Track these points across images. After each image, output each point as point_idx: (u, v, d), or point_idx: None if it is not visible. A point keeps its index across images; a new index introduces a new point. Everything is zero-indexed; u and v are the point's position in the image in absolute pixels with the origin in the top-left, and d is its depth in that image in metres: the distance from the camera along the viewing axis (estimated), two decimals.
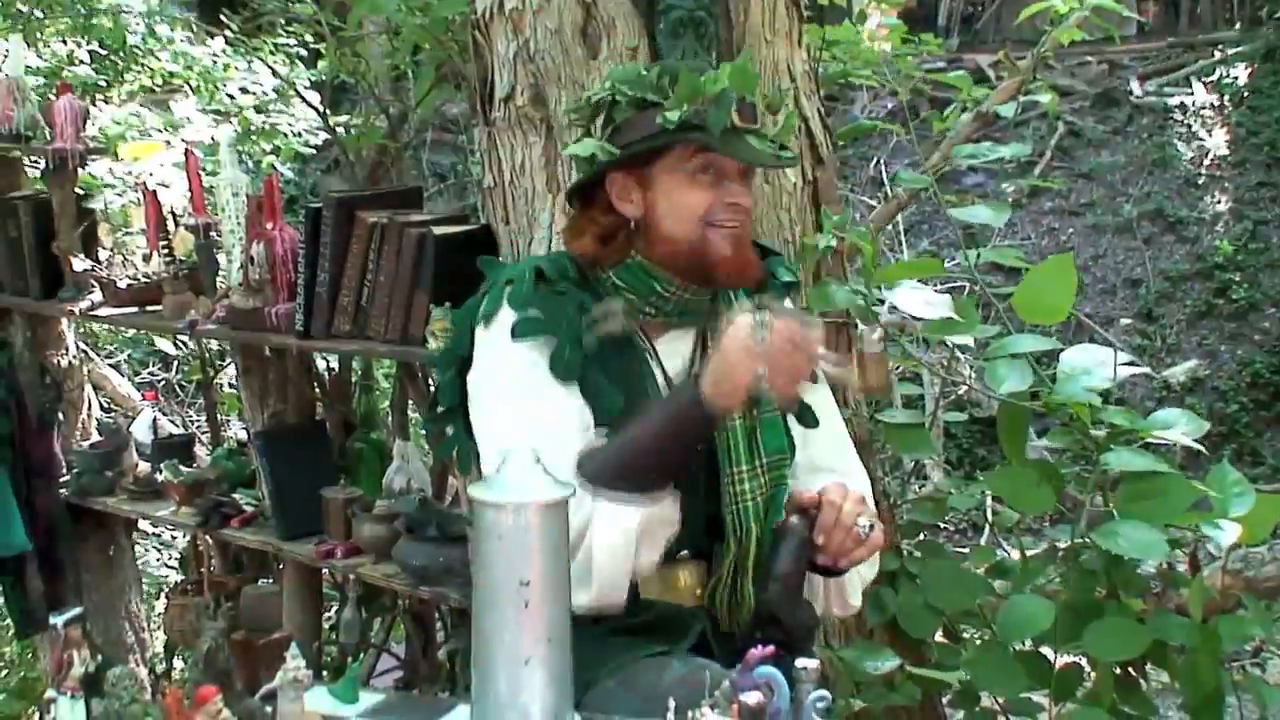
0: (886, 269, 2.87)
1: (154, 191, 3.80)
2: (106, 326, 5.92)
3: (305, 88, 6.11)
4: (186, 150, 3.84)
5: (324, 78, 6.39)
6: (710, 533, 2.24)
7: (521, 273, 2.21)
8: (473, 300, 2.27)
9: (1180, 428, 2.55)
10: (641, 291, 2.21)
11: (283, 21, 6.23)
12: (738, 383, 1.93)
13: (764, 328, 1.90)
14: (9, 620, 4.86)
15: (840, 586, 2.24)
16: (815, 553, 2.06)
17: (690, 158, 2.15)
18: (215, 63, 6.75)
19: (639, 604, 2.14)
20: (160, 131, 5.97)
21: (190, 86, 6.69)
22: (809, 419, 2.31)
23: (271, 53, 6.32)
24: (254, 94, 6.74)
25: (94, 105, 6.01)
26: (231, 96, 6.72)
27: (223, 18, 6.29)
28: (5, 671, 5.52)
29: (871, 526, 2.05)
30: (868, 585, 2.35)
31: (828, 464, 2.32)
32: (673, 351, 2.26)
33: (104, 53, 6.72)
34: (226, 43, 6.55)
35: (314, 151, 7.23)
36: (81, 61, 6.42)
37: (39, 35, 6.37)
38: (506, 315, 2.17)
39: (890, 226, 8.21)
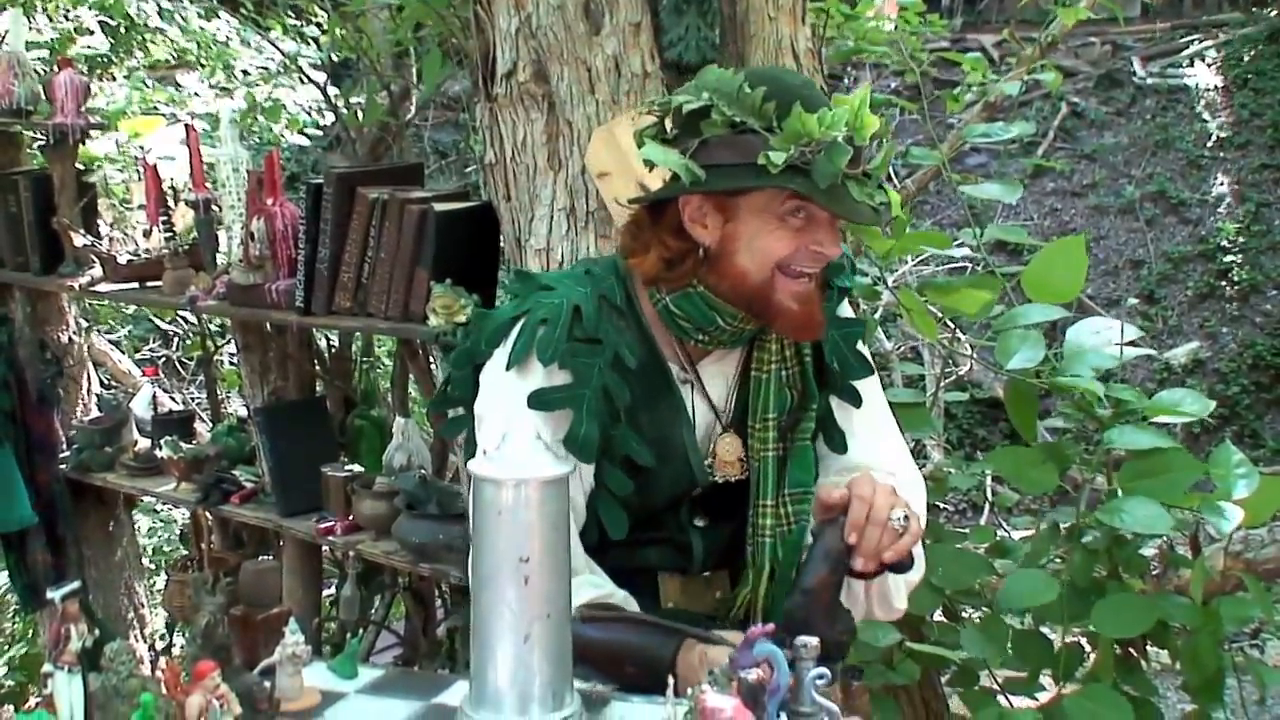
0: (898, 237, 2.86)
1: (154, 167, 3.78)
2: (107, 302, 5.92)
3: (312, 67, 6.10)
4: (187, 126, 3.83)
5: (326, 58, 6.38)
6: (733, 545, 2.19)
7: (558, 311, 2.03)
8: (503, 319, 2.10)
9: (1185, 407, 2.54)
10: (700, 321, 2.07)
11: (288, 1, 6.22)
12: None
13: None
14: (11, 595, 4.88)
15: (883, 589, 2.11)
16: (850, 556, 1.91)
17: (784, 200, 1.96)
18: (226, 40, 6.75)
19: (660, 612, 2.11)
20: (166, 105, 5.96)
21: (200, 63, 6.69)
22: (838, 443, 2.22)
23: (285, 33, 6.31)
24: (261, 71, 6.73)
25: (99, 80, 6.00)
26: (246, 73, 6.71)
27: None
28: (8, 645, 5.53)
29: (906, 518, 1.89)
30: (913, 586, 2.18)
31: (874, 465, 2.18)
32: (716, 374, 2.16)
33: (113, 24, 6.71)
34: (240, 21, 6.54)
35: (320, 132, 7.23)
36: (90, 31, 6.40)
37: (42, 7, 6.35)
38: (533, 371, 2.03)
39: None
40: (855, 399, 2.21)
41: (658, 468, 2.10)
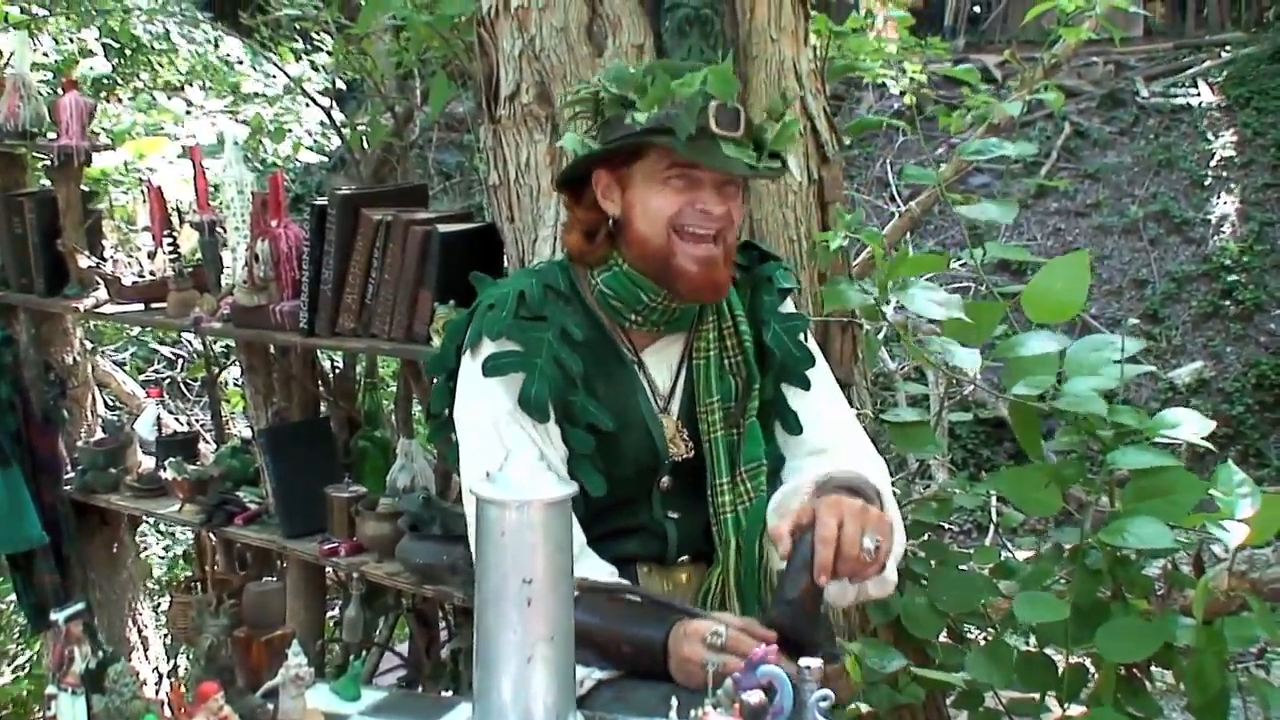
0: (895, 262, 2.86)
1: (159, 188, 3.79)
2: (111, 324, 5.93)
3: (318, 91, 6.11)
4: (191, 148, 3.84)
5: (331, 79, 6.39)
6: (709, 538, 2.26)
7: (504, 296, 2.20)
8: (460, 318, 2.28)
9: (1187, 427, 2.53)
10: (627, 300, 2.21)
11: (294, 26, 6.23)
12: (696, 676, 1.89)
13: (721, 636, 1.89)
14: (15, 614, 4.87)
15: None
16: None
17: (663, 162, 2.13)
18: (231, 62, 6.77)
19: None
20: (173, 125, 5.97)
21: (204, 86, 6.71)
22: (792, 424, 2.32)
23: (296, 59, 6.33)
24: (266, 96, 6.75)
25: (106, 101, 6.01)
26: (258, 95, 6.73)
27: (243, 20, 6.30)
28: (21, 665, 5.52)
29: (877, 548, 1.93)
30: (899, 558, 2.19)
31: (832, 445, 2.30)
32: (660, 362, 2.28)
33: (117, 46, 6.73)
34: (250, 45, 6.56)
35: (325, 158, 7.25)
36: (92, 54, 6.42)
37: (44, 29, 6.37)
38: (484, 347, 2.18)
39: None
40: (805, 383, 2.33)
41: (620, 434, 2.20)
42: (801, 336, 2.35)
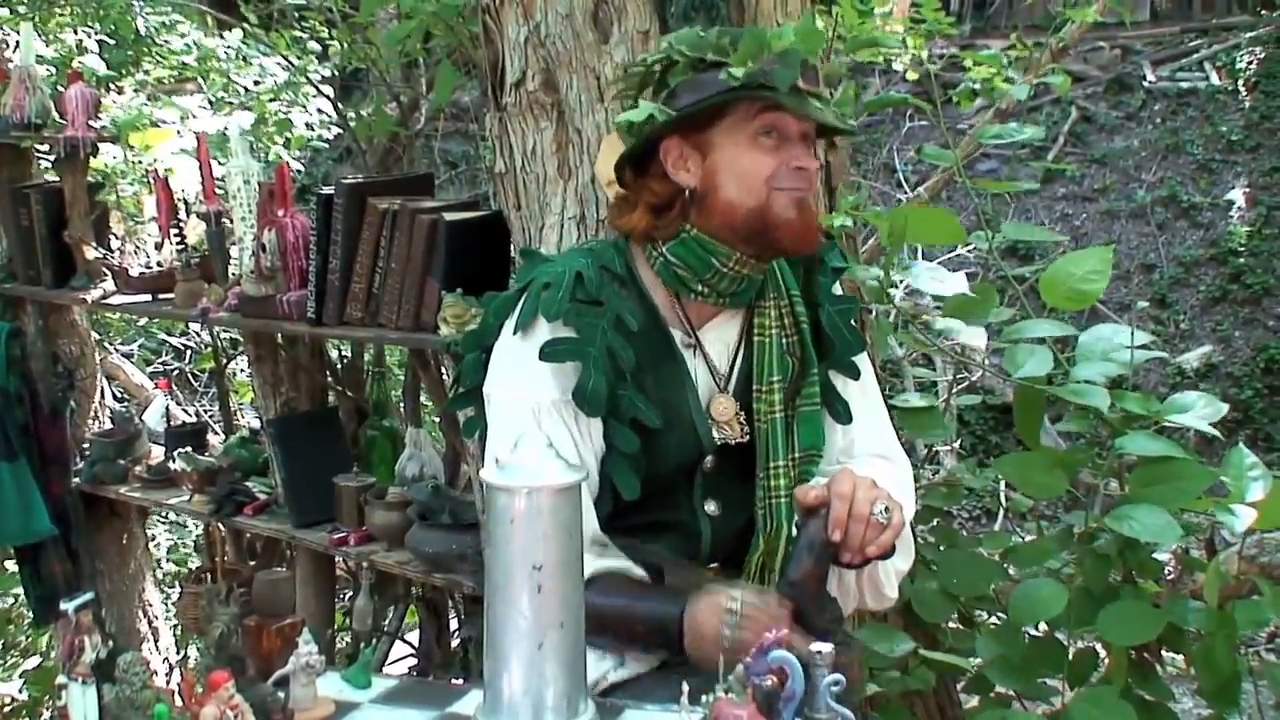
0: (901, 213, 2.83)
1: (165, 179, 3.80)
2: (120, 316, 5.93)
3: (319, 80, 6.11)
4: (197, 138, 3.84)
5: (335, 70, 6.38)
6: (742, 541, 2.22)
7: (561, 276, 2.11)
8: (509, 295, 2.21)
9: (1197, 411, 2.52)
10: (697, 268, 2.13)
11: (296, 14, 6.22)
12: (710, 651, 1.87)
13: (735, 614, 1.89)
14: (24, 606, 4.88)
15: (873, 578, 2.17)
16: (837, 551, 1.97)
17: (753, 119, 2.07)
18: (230, 53, 6.75)
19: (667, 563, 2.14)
20: (170, 123, 5.97)
21: (203, 78, 6.70)
22: (842, 413, 2.28)
23: (288, 46, 6.32)
24: (267, 86, 6.73)
25: (105, 93, 6.01)
26: (247, 89, 6.72)
27: (239, 6, 6.29)
28: (21, 659, 5.53)
29: (887, 509, 1.94)
30: (902, 575, 2.25)
31: (866, 447, 2.28)
32: (717, 340, 2.22)
33: (113, 43, 6.73)
34: (244, 34, 6.54)
35: (326, 145, 7.24)
36: (90, 51, 6.42)
37: (49, 24, 6.37)
38: (539, 329, 2.10)
39: None
40: (854, 371, 2.30)
41: (664, 431, 2.14)
42: (852, 320, 2.31)
